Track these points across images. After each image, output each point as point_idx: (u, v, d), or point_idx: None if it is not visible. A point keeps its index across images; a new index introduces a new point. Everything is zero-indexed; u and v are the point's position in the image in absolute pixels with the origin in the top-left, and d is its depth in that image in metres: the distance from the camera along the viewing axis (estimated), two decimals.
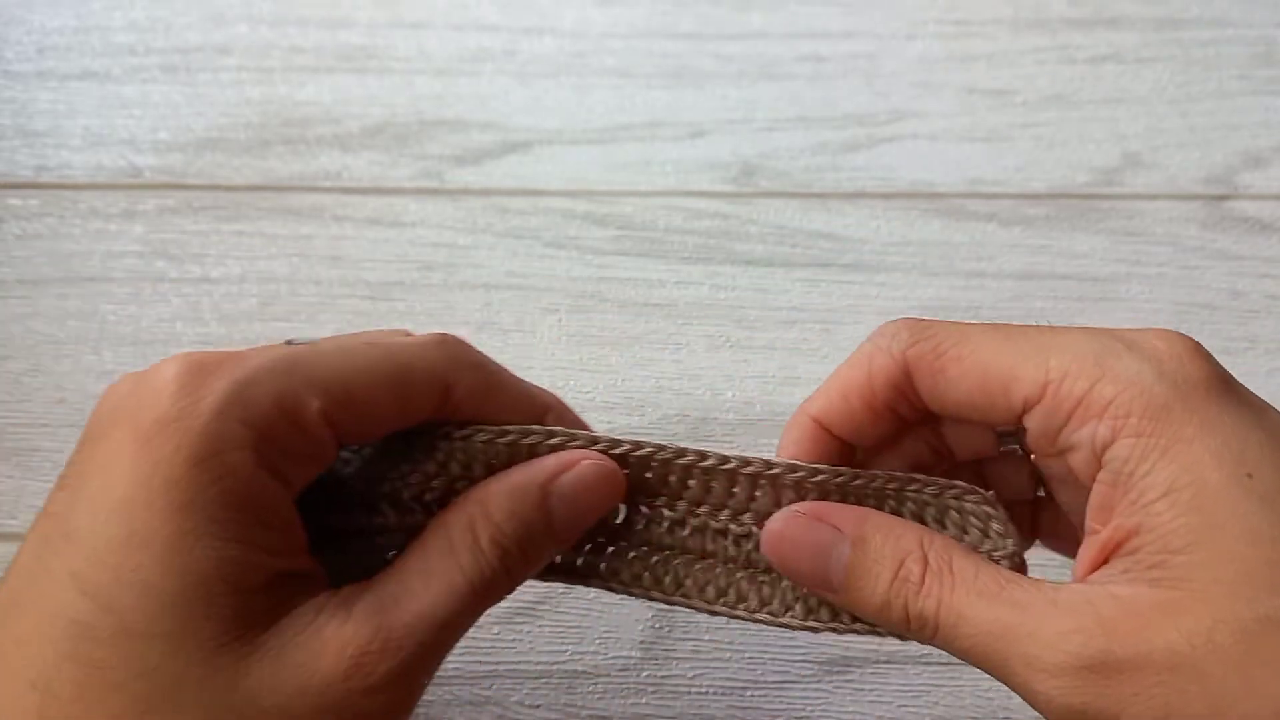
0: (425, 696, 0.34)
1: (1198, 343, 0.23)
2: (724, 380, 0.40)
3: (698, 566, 0.27)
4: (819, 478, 0.26)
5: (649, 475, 0.27)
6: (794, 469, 0.26)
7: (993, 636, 0.21)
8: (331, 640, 0.22)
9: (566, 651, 0.36)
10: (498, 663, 0.35)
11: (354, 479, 0.26)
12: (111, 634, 0.20)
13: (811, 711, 0.35)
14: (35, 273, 0.42)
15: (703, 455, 0.26)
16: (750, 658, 0.36)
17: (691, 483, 0.27)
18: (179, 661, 0.21)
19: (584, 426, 0.28)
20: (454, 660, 0.35)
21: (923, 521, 0.25)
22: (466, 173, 0.44)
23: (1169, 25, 0.48)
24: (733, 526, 0.27)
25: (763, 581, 0.27)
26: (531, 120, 0.45)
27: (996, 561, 0.24)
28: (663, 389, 0.40)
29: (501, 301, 0.42)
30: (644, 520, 0.27)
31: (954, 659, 0.35)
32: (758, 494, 0.26)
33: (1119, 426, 0.22)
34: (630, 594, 0.27)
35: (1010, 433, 0.26)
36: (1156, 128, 0.46)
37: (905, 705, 0.35)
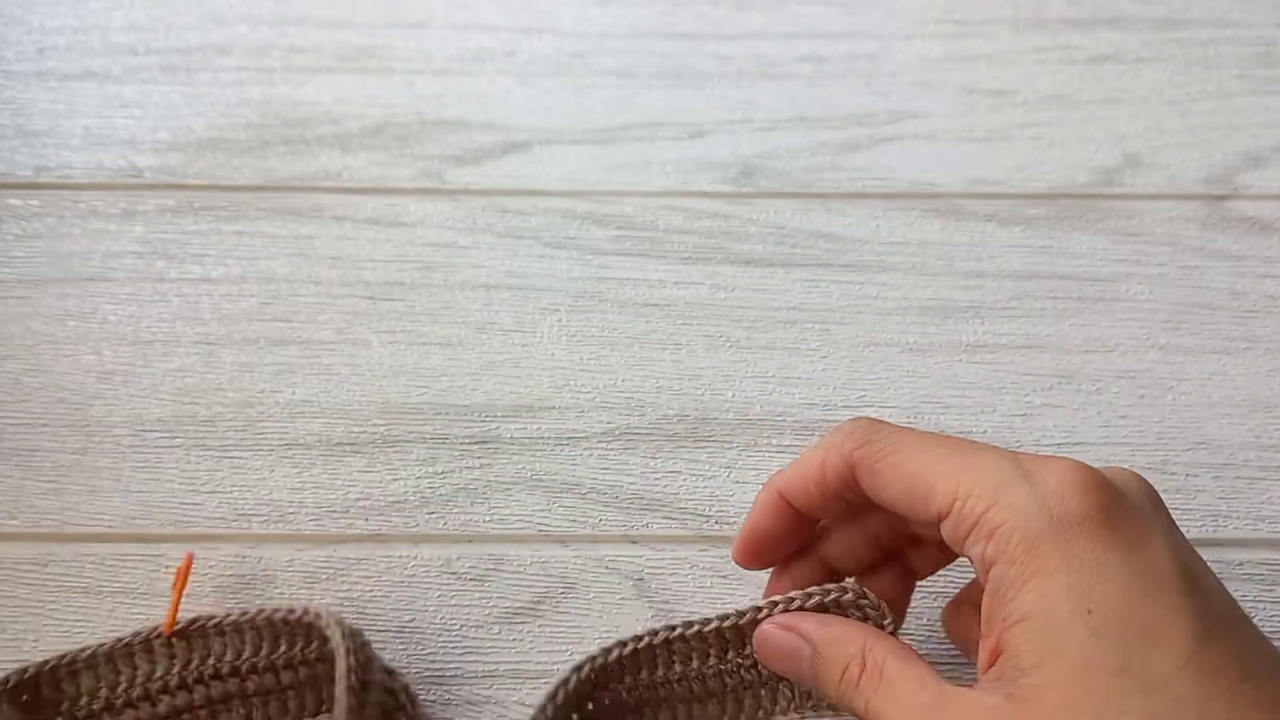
0: (426, 696, 0.35)
1: (1095, 476, 0.25)
2: (724, 380, 0.40)
3: (695, 706, 0.32)
4: (744, 620, 0.31)
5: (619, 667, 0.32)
6: (724, 618, 0.31)
7: None
8: None
9: (566, 651, 0.36)
10: (498, 663, 0.35)
11: None
12: None
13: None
14: (35, 273, 0.42)
15: (670, 627, 0.32)
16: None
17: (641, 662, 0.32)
18: None
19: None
20: (454, 660, 0.35)
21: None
22: (466, 173, 0.44)
23: (1169, 25, 0.48)
24: (674, 677, 0.32)
25: (749, 692, 0.32)
26: (531, 120, 0.45)
27: (883, 626, 0.30)
28: (663, 389, 0.40)
29: (501, 301, 0.42)
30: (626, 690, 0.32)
31: (954, 659, 0.35)
32: (703, 646, 0.32)
33: (1000, 551, 0.25)
34: None
35: None
36: (1156, 128, 0.46)
37: None
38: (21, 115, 0.45)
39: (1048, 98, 0.46)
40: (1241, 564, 0.37)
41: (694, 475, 0.38)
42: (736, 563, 0.32)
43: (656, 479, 0.38)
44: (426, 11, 0.48)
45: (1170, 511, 0.27)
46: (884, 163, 0.45)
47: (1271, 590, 0.36)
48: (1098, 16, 0.48)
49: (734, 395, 0.40)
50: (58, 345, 0.41)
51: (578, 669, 0.31)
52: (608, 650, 0.32)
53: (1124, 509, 0.25)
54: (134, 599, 0.36)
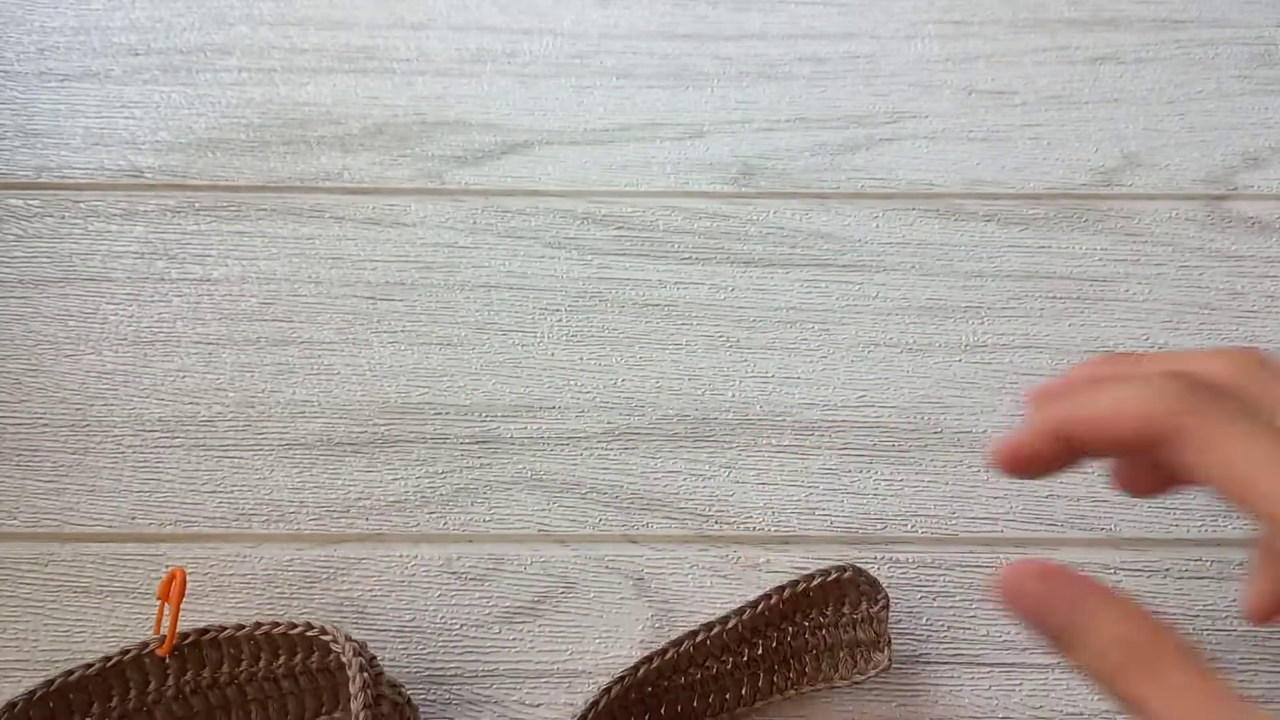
0: (425, 696, 0.35)
1: None
2: (724, 380, 0.40)
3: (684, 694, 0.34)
4: (744, 617, 0.34)
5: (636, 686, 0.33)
6: (737, 613, 0.34)
7: None
8: None
9: (566, 651, 0.36)
10: (498, 662, 0.35)
11: None
12: None
13: (811, 711, 0.35)
14: (36, 273, 0.42)
15: (661, 653, 0.33)
16: None
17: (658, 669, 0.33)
18: None
19: None
20: (454, 660, 0.35)
21: (842, 599, 0.34)
22: (467, 173, 0.44)
23: (1168, 26, 0.48)
24: (694, 675, 0.34)
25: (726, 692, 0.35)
26: (531, 121, 0.46)
27: (877, 614, 0.34)
28: (662, 389, 0.40)
29: (501, 302, 0.42)
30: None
31: (953, 660, 0.35)
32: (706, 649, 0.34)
33: None
34: None
35: None
36: (1155, 128, 0.46)
37: (905, 705, 0.35)
38: (22, 115, 0.45)
39: (1047, 98, 0.46)
40: (1241, 564, 0.37)
41: (694, 475, 0.38)
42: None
43: (656, 479, 0.38)
44: (427, 13, 0.48)
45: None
46: (883, 163, 0.45)
47: None
48: (1097, 17, 0.48)
49: (734, 395, 0.40)
50: (58, 345, 0.41)
51: (606, 690, 0.32)
52: (635, 668, 0.33)
53: None
54: (134, 599, 0.36)
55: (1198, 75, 0.47)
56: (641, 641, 0.36)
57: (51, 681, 0.32)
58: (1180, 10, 0.48)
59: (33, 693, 0.32)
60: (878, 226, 0.44)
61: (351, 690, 0.30)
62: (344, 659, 0.31)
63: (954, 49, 0.47)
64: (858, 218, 0.44)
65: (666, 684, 0.34)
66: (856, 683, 0.34)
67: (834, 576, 0.34)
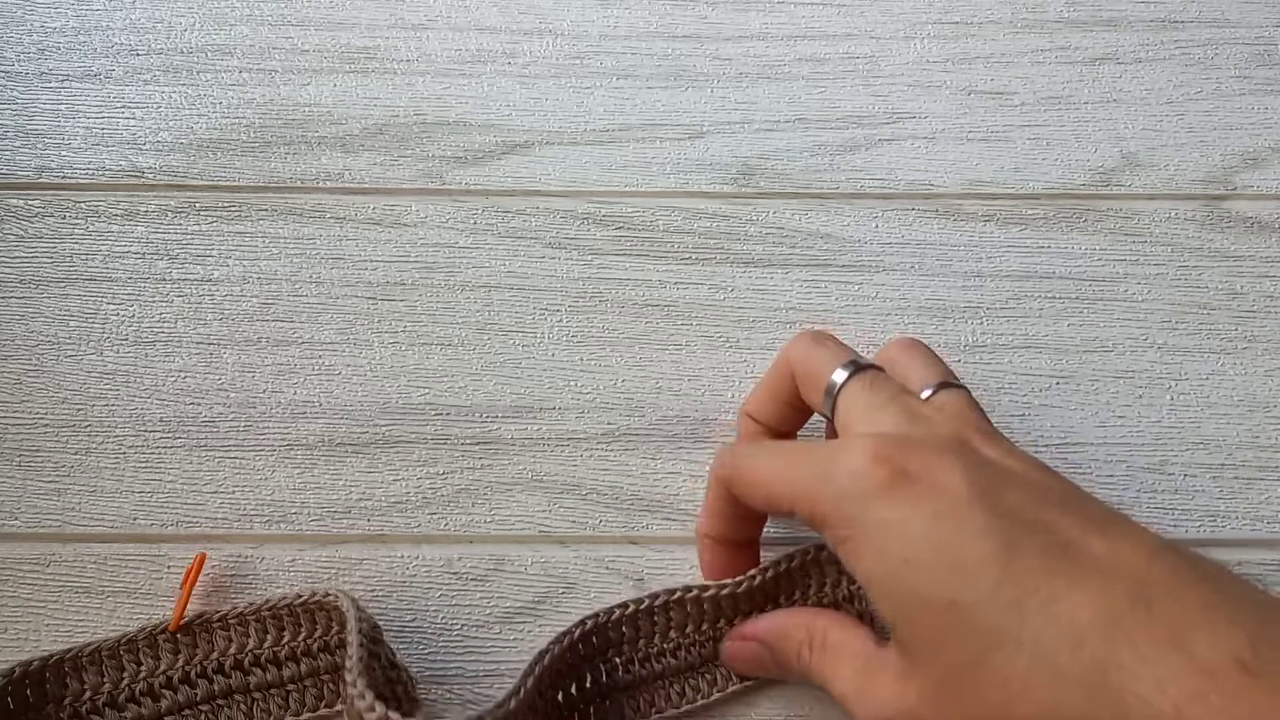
0: (426, 696, 0.35)
1: (884, 445, 0.28)
2: (724, 380, 0.41)
3: (657, 685, 0.34)
4: (724, 592, 0.34)
5: (606, 635, 0.34)
6: (704, 588, 0.34)
7: (846, 697, 0.29)
8: None
9: None
10: (498, 662, 0.36)
11: None
12: None
13: (810, 711, 0.35)
14: (36, 273, 0.42)
15: (638, 600, 0.34)
16: None
17: (636, 628, 0.34)
18: None
19: None
20: (454, 660, 0.36)
21: (823, 578, 0.35)
22: (467, 173, 0.44)
23: (1167, 26, 0.48)
24: (669, 646, 0.34)
25: (703, 673, 0.35)
26: (532, 121, 0.46)
27: (859, 592, 0.34)
28: (662, 389, 0.40)
29: (502, 302, 0.42)
30: (607, 673, 0.34)
31: None
32: (686, 614, 0.34)
33: (833, 537, 0.29)
34: None
35: None
36: (1154, 128, 0.46)
37: None
38: (23, 116, 0.45)
39: (1046, 98, 0.46)
40: (1240, 564, 0.37)
41: (694, 476, 0.39)
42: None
43: (656, 480, 0.39)
44: (427, 13, 0.48)
45: (992, 420, 0.31)
46: (882, 163, 0.45)
47: (1270, 590, 0.37)
48: (1096, 17, 0.48)
49: (734, 395, 0.40)
50: (59, 345, 0.41)
51: (568, 632, 0.33)
52: (609, 610, 0.34)
53: (916, 461, 0.28)
54: (135, 599, 0.36)
55: (1197, 75, 0.47)
56: None
57: (50, 655, 0.33)
58: (1180, 10, 0.48)
59: (48, 657, 0.33)
60: (877, 227, 0.44)
61: (348, 627, 0.31)
62: (342, 605, 0.32)
63: (953, 49, 0.47)
64: (857, 218, 0.44)
65: (643, 655, 0.34)
66: None
67: (812, 555, 0.34)
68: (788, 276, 0.43)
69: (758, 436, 0.36)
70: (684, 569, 0.37)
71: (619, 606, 0.34)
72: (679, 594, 0.34)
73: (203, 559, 0.35)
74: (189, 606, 0.34)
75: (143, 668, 0.33)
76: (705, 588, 0.34)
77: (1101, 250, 0.43)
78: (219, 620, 0.34)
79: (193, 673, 0.33)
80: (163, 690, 0.33)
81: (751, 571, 0.34)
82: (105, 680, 0.33)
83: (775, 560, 0.34)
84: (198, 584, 0.35)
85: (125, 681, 0.33)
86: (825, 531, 0.29)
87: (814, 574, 0.35)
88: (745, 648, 0.34)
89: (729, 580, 0.34)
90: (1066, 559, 0.25)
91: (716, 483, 0.33)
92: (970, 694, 0.25)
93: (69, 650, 0.33)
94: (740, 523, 0.34)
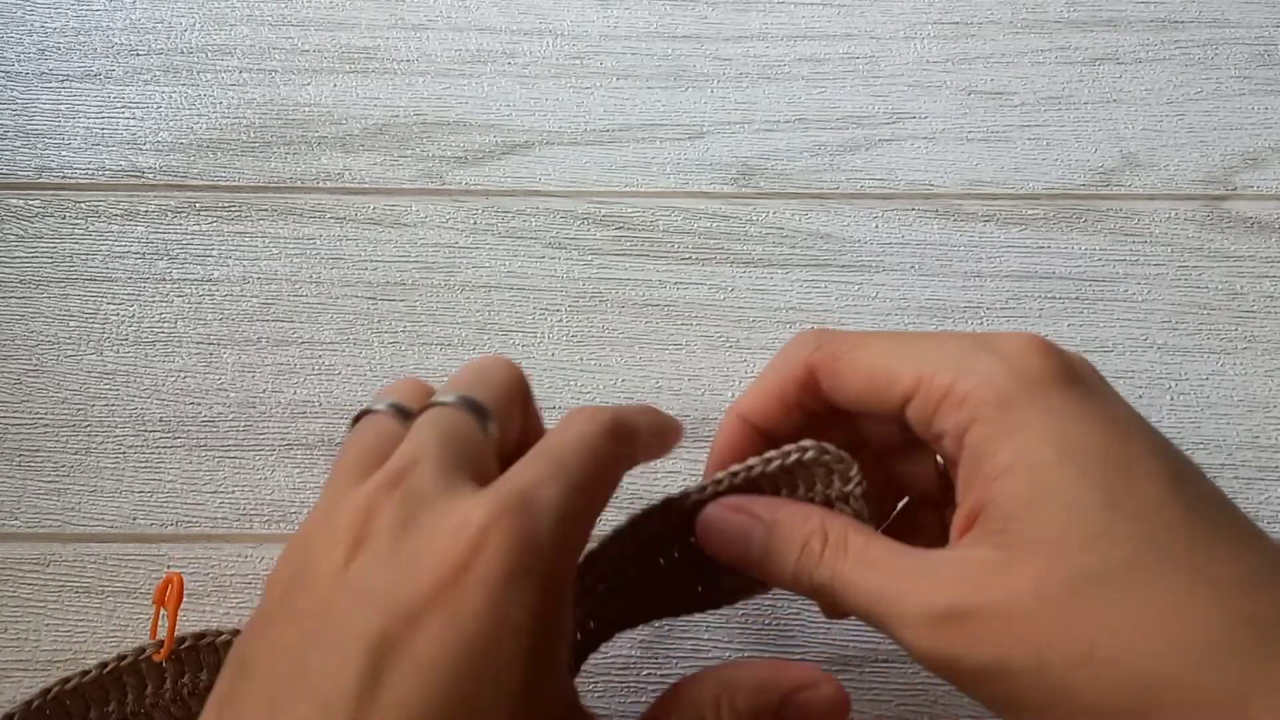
0: None
1: (1046, 341, 0.27)
2: (723, 380, 0.41)
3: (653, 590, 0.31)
4: (710, 489, 0.29)
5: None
6: (700, 489, 0.29)
7: (873, 599, 0.25)
8: None
9: None
10: None
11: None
12: None
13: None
14: (36, 273, 0.42)
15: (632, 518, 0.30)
16: (749, 657, 0.36)
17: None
18: None
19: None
20: None
21: (794, 481, 0.29)
22: (467, 174, 0.44)
23: (1167, 26, 0.48)
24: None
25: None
26: (532, 121, 0.46)
27: (851, 491, 0.29)
28: (662, 389, 0.40)
29: (502, 302, 0.42)
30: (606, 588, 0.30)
31: None
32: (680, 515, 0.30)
33: (974, 415, 0.26)
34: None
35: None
36: (1154, 128, 0.46)
37: (905, 704, 0.35)
38: (23, 116, 0.45)
39: (1046, 98, 0.46)
40: None
41: (694, 475, 0.39)
42: None
43: (656, 479, 0.39)
44: (427, 13, 0.48)
45: None
46: (882, 163, 0.45)
47: None
48: (1096, 17, 0.48)
49: (734, 395, 0.40)
50: (59, 345, 0.41)
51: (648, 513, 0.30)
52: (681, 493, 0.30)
53: (1081, 370, 0.27)
54: (135, 599, 0.36)
55: (1197, 75, 0.47)
56: (641, 641, 0.36)
57: (49, 690, 0.31)
58: (1179, 10, 0.48)
59: (29, 703, 0.31)
60: (877, 227, 0.44)
61: None
62: None
63: (953, 50, 0.47)
64: (857, 218, 0.44)
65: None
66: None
67: (794, 458, 0.29)
68: (788, 276, 0.43)
69: (747, 437, 0.32)
70: None
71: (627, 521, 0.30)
72: (682, 494, 0.30)
73: (180, 581, 0.33)
74: (163, 626, 0.33)
75: (130, 696, 0.33)
76: (702, 488, 0.29)
77: (1101, 250, 0.43)
78: (207, 644, 0.33)
79: (184, 692, 0.33)
80: (153, 710, 0.33)
81: (736, 466, 0.29)
82: (91, 709, 0.32)
83: (755, 460, 0.29)
84: (194, 584, 0.35)
85: (113, 705, 0.33)
86: (952, 416, 0.26)
87: (801, 476, 0.29)
88: (735, 519, 0.29)
89: (720, 475, 0.29)
90: (1227, 511, 0.26)
91: (794, 365, 0.29)
92: (1107, 598, 0.23)
93: (66, 680, 0.32)
94: (790, 414, 0.30)
